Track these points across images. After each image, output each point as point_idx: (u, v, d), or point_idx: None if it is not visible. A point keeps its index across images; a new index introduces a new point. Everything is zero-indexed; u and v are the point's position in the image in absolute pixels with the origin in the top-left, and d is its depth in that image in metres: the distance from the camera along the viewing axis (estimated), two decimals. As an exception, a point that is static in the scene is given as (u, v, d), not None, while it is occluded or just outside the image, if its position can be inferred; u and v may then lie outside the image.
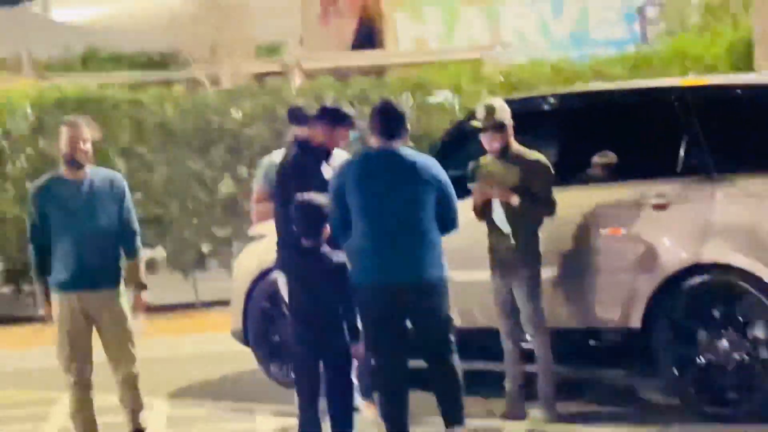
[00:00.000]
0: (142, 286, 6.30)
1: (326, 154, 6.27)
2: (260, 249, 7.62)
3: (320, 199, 5.83)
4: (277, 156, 6.80)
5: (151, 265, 11.76)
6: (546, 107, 7.22)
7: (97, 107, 11.56)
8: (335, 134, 6.28)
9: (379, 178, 5.59)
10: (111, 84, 13.10)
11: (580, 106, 7.16)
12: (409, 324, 5.68)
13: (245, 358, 8.20)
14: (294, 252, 5.82)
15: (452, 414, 5.60)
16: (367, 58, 20.24)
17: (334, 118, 6.21)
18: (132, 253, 6.29)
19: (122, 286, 6.22)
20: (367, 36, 22.48)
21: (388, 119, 5.64)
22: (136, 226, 6.29)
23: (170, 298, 11.96)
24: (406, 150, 5.73)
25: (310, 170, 6.20)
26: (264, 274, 7.56)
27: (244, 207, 11.38)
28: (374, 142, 5.73)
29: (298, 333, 5.80)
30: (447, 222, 5.69)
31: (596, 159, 6.85)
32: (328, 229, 5.80)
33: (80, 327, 6.15)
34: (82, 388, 6.18)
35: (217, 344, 9.62)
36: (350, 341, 5.74)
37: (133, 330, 6.28)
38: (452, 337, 5.72)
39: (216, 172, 11.96)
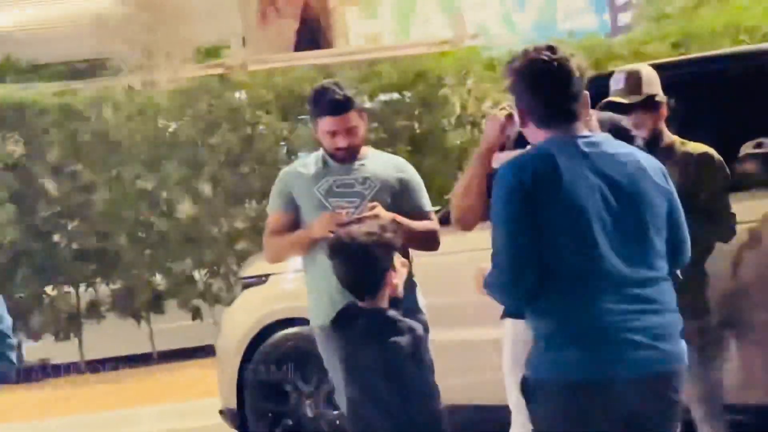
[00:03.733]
0: None
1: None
2: (261, 297, 6.66)
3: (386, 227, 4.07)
4: (302, 163, 5.05)
5: (94, 309, 10.89)
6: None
7: (17, 115, 10.61)
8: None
9: (592, 184, 3.29)
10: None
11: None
12: None
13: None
14: (340, 317, 4.11)
15: None
16: (317, 57, 19.16)
17: None
18: None
19: None
20: (311, 35, 21.21)
21: (561, 89, 3.36)
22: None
23: (119, 350, 10.98)
24: (609, 139, 3.52)
25: None
26: (266, 332, 6.46)
27: (208, 233, 10.73)
28: (539, 130, 3.46)
29: None
30: (678, 254, 3.51)
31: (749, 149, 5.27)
32: (394, 279, 3.95)
33: None
34: None
35: (186, 418, 8.61)
36: None
37: None
38: None
39: (172, 192, 10.77)
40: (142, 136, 10.69)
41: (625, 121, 4.28)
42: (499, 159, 3.95)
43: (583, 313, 3.20)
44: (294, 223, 4.85)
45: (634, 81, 4.71)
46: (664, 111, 4.69)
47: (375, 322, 3.85)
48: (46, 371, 10.78)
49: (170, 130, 11.04)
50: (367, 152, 4.84)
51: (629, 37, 12.46)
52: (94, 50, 16.99)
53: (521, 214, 3.21)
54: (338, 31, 20.48)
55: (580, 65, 3.33)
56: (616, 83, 4.84)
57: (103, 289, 11.02)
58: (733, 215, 4.60)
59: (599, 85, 4.69)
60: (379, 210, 4.49)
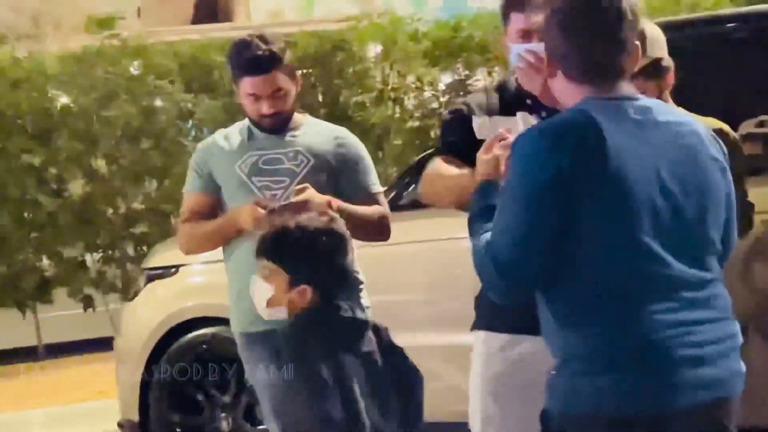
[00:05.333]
0: None
1: None
2: (170, 292, 6.19)
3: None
4: (224, 134, 4.40)
5: None
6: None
7: None
8: None
9: (647, 165, 2.62)
10: None
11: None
12: None
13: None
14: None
15: None
16: (217, 30, 19.35)
17: None
18: None
19: None
20: (209, 11, 22.66)
21: (607, 32, 2.70)
22: None
23: (3, 342, 10.49)
24: (659, 102, 2.84)
25: None
26: (176, 332, 5.95)
27: (103, 214, 10.24)
28: (570, 85, 2.77)
29: None
30: (729, 246, 2.86)
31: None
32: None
33: None
34: None
35: (79, 423, 8.17)
36: None
37: None
38: None
39: (62, 168, 10.27)
40: (30, 107, 10.12)
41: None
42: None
43: (630, 327, 2.54)
44: (214, 206, 4.28)
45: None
46: (671, 78, 4.06)
47: (342, 328, 3.23)
48: None
49: (61, 100, 10.37)
50: (303, 120, 4.24)
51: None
52: None
53: (550, 199, 2.54)
54: (238, 6, 21.08)
55: (634, 6, 2.65)
56: None
57: None
58: (752, 205, 4.02)
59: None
60: (310, 192, 3.88)
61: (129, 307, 6.57)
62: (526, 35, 3.46)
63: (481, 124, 3.49)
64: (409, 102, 10.67)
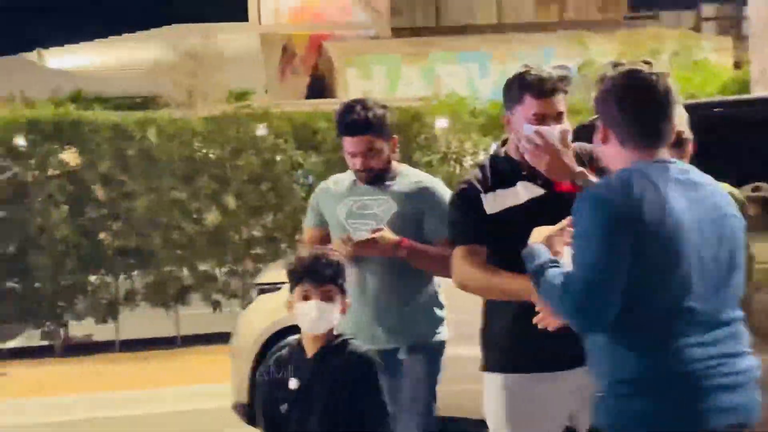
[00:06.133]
0: None
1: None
2: (275, 303, 5.53)
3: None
4: (335, 180, 4.03)
5: (130, 297, 10.36)
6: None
7: (74, 131, 9.95)
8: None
9: (692, 217, 2.40)
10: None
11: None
12: None
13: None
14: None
15: None
16: (324, 104, 20.23)
17: None
18: None
19: None
20: (319, 89, 22.48)
21: (658, 106, 2.45)
22: None
23: (149, 333, 10.51)
24: (692, 167, 2.56)
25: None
26: (278, 335, 5.62)
27: (230, 238, 10.24)
28: (623, 150, 2.51)
29: None
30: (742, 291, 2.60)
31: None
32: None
33: None
34: None
35: (205, 400, 7.90)
36: None
37: None
38: None
39: (201, 202, 10.30)
40: (179, 155, 10.04)
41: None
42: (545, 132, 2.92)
43: (672, 357, 2.30)
44: (325, 238, 3.89)
45: None
46: (690, 149, 3.62)
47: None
48: (88, 348, 10.19)
49: (203, 151, 10.34)
50: (400, 170, 3.77)
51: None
52: (147, 89, 17.47)
53: (621, 241, 2.28)
54: (340, 87, 20.68)
55: (673, 85, 2.41)
56: None
57: (139, 281, 10.37)
58: (753, 257, 3.49)
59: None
60: (381, 233, 3.52)
61: (243, 314, 6.36)
62: (538, 118, 3.05)
63: (489, 200, 3.08)
64: (467, 162, 10.42)
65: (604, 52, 13.31)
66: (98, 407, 8.01)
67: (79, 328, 10.42)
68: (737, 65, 14.07)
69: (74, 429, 7.66)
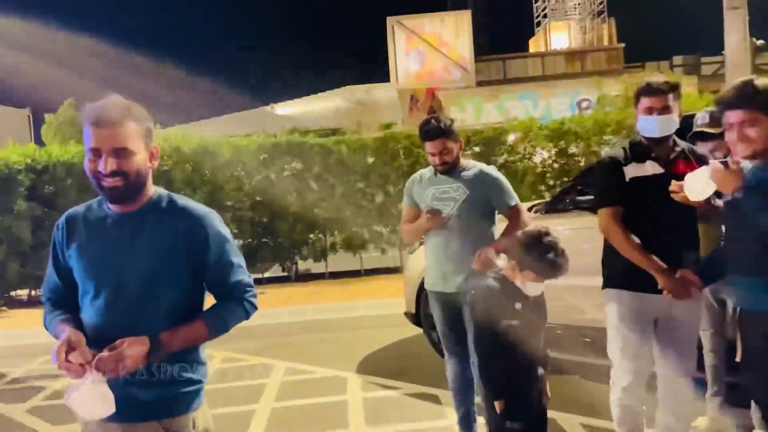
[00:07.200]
0: None
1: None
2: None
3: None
4: (422, 172, 4.34)
5: (333, 247, 11.87)
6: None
7: (299, 149, 11.75)
8: None
9: None
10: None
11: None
12: None
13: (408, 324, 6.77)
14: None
15: None
16: None
17: None
18: None
19: None
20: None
21: None
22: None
23: (344, 267, 12.01)
24: None
25: None
26: None
27: (390, 211, 11.46)
28: None
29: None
30: None
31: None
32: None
33: None
34: None
35: (384, 309, 8.72)
36: None
37: None
38: None
39: (373, 189, 11.80)
40: (359, 162, 11.80)
41: (700, 149, 3.69)
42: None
43: None
44: (416, 215, 4.14)
45: (716, 117, 4.03)
46: None
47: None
48: (310, 277, 11.90)
49: (370, 161, 11.72)
50: (468, 164, 4.07)
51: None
52: (335, 124, 22.19)
53: None
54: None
55: None
56: (702, 119, 4.23)
57: (338, 237, 11.87)
58: None
59: (686, 122, 4.12)
60: (487, 251, 3.75)
61: (410, 256, 6.63)
62: (649, 110, 3.35)
63: (629, 170, 3.31)
64: (536, 159, 11.57)
65: (612, 90, 15.64)
66: (318, 313, 8.91)
67: (304, 265, 12.26)
68: (700, 92, 15.66)
69: (306, 326, 8.14)
